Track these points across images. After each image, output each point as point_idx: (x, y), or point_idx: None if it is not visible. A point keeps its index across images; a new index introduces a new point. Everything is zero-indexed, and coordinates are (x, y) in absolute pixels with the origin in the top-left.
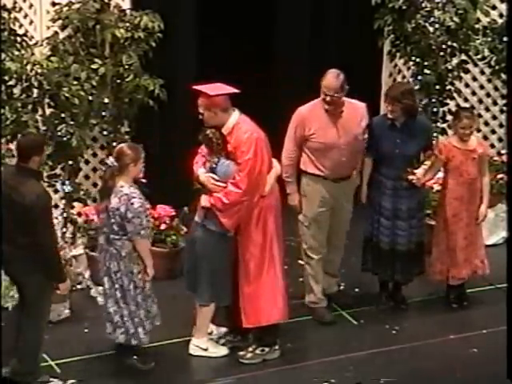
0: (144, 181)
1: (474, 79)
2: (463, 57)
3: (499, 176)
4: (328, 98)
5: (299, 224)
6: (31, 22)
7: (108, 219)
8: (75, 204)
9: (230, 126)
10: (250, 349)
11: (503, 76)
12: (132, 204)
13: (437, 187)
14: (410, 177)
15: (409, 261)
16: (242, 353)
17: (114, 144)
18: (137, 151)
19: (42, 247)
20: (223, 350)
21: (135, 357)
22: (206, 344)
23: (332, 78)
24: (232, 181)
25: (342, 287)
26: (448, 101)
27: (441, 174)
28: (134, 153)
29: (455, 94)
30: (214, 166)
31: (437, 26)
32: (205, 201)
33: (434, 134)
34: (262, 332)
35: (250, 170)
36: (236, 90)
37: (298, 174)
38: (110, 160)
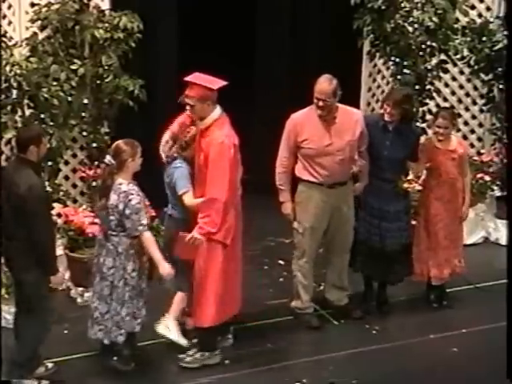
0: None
1: (454, 79)
2: (442, 56)
3: (479, 175)
4: (320, 103)
5: (294, 232)
6: (10, 23)
7: (107, 216)
8: (55, 205)
9: (210, 120)
10: (190, 352)
11: (482, 76)
12: (130, 201)
13: (418, 187)
14: (406, 185)
15: (398, 262)
16: (181, 356)
17: (94, 145)
18: (133, 146)
19: (33, 239)
20: (182, 341)
21: (115, 358)
22: (172, 327)
23: (324, 82)
24: (209, 197)
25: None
26: (427, 100)
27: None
28: (130, 148)
29: (435, 94)
30: (167, 164)
31: (416, 25)
32: (196, 233)
33: None
34: (202, 336)
35: (223, 175)
36: (225, 82)
37: (294, 183)
38: (108, 158)
